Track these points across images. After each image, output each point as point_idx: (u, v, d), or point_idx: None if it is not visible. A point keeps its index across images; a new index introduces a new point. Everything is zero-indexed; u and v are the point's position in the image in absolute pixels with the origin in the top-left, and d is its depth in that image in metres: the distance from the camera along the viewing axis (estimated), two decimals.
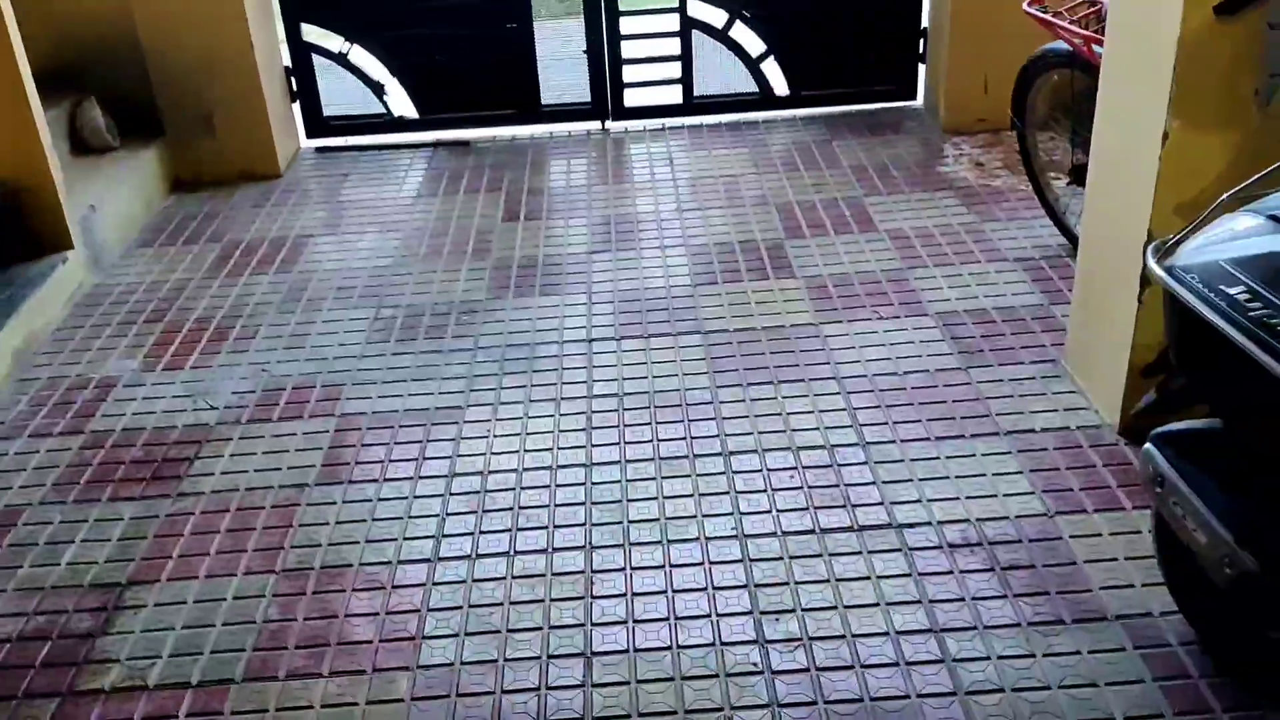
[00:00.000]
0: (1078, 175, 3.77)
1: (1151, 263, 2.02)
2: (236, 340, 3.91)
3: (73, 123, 4.97)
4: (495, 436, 3.26)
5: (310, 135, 5.74)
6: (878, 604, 2.54)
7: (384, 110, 5.69)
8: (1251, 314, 1.88)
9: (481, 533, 2.87)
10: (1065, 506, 2.79)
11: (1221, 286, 1.96)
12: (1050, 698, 2.26)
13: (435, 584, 2.70)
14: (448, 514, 2.95)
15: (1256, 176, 2.09)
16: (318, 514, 2.99)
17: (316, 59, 5.60)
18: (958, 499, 2.85)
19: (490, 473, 3.10)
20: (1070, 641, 2.39)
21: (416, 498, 3.02)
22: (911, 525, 2.77)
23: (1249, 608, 2.05)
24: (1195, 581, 2.24)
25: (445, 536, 2.87)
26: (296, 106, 5.67)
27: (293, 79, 5.59)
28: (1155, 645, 2.36)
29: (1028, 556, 2.64)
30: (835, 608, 2.54)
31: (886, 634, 2.45)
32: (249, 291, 4.27)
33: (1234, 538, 1.94)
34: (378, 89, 5.65)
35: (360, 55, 5.60)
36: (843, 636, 2.45)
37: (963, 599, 2.53)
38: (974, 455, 3.01)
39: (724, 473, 3.03)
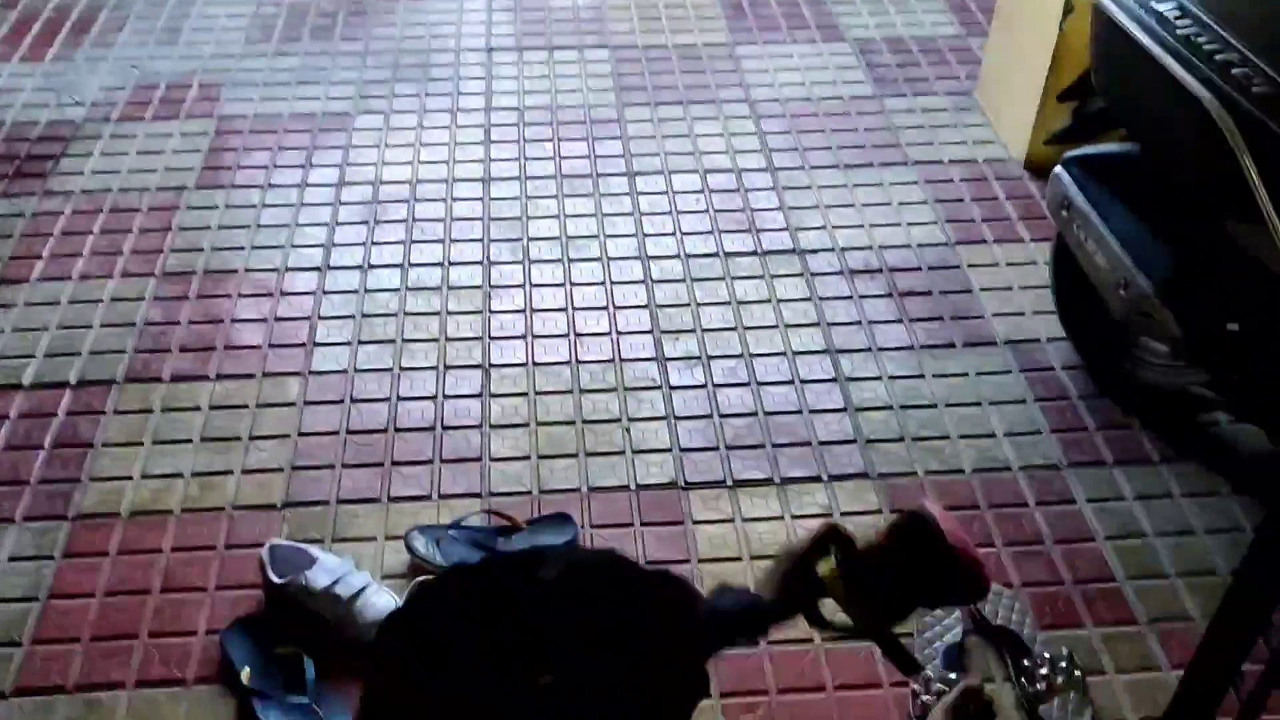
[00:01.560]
0: None
1: None
2: (102, 32, 3.57)
3: None
4: (388, 146, 3.10)
5: None
6: (776, 326, 2.55)
7: None
8: (1179, 31, 1.83)
9: (374, 243, 2.76)
10: (966, 236, 2.80)
11: (1152, 3, 1.90)
12: (935, 415, 2.33)
13: (326, 293, 2.61)
14: (338, 223, 2.83)
15: None
16: (199, 218, 2.83)
17: None
18: (862, 226, 2.83)
19: (383, 183, 2.96)
20: (959, 364, 2.45)
21: (304, 205, 2.88)
22: (814, 251, 2.76)
23: (1139, 330, 2.11)
24: (1086, 307, 2.29)
25: (336, 246, 2.75)
26: None
27: None
28: (1039, 369, 2.44)
29: (926, 283, 2.66)
30: (735, 329, 2.54)
31: (783, 354, 2.48)
32: None
33: (1132, 261, 1.96)
34: None
35: None
36: (740, 356, 2.47)
37: (859, 322, 2.55)
38: (881, 184, 2.98)
39: (628, 193, 2.95)
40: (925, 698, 1.78)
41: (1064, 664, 1.81)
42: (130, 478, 2.17)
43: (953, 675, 1.80)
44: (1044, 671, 1.80)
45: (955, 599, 1.41)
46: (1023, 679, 1.82)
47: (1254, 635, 1.32)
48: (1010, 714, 1.80)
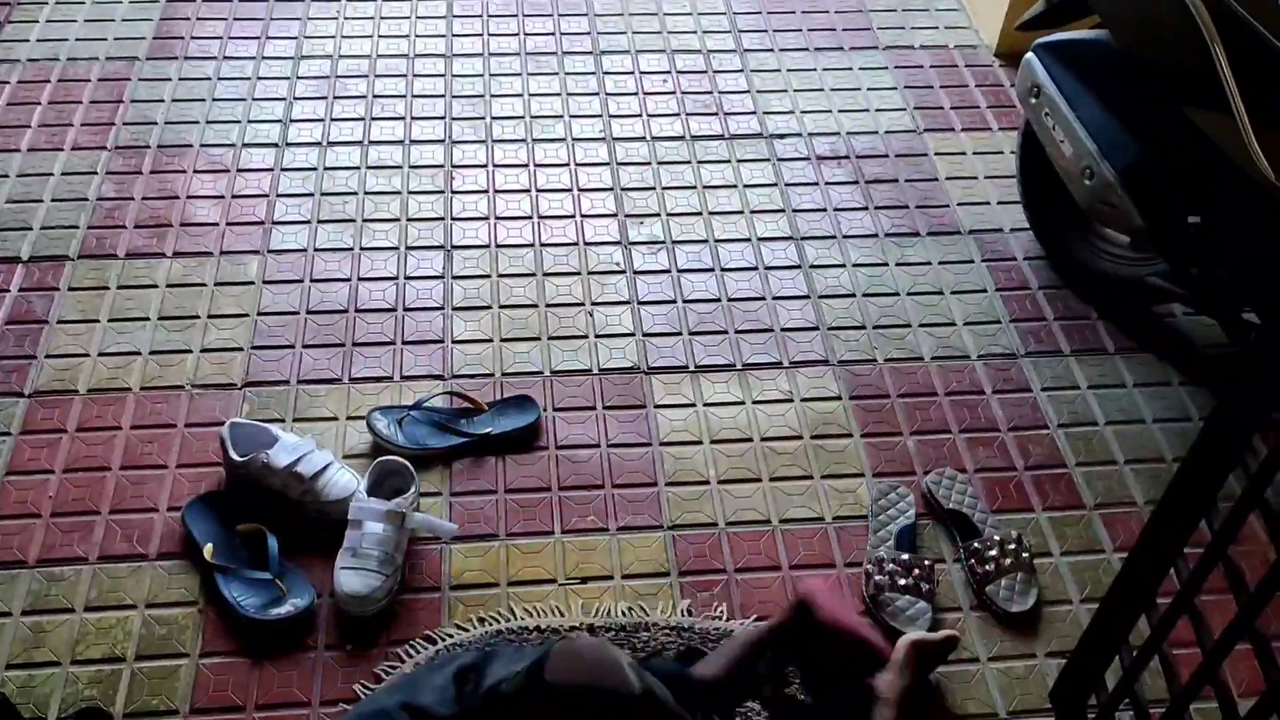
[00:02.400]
0: None
1: None
2: None
3: None
4: (346, 19, 3.00)
5: None
6: (742, 211, 2.53)
7: None
8: None
9: (333, 120, 2.70)
10: (934, 124, 2.78)
11: None
12: (898, 303, 2.35)
13: (284, 170, 2.56)
14: (295, 98, 2.75)
15: None
16: (151, 90, 2.75)
17: None
18: (830, 111, 2.80)
19: (341, 57, 2.88)
20: (923, 253, 2.46)
21: (260, 79, 2.80)
22: (782, 136, 2.73)
23: (1101, 221, 2.12)
24: (1050, 197, 2.29)
25: (294, 121, 2.69)
26: None
27: None
28: (1001, 259, 2.45)
29: (892, 171, 2.65)
30: (700, 214, 2.52)
31: (748, 240, 2.47)
32: None
33: (1098, 150, 1.96)
34: None
35: None
36: (705, 241, 2.46)
37: (825, 209, 2.54)
38: (850, 69, 2.93)
39: (594, 73, 2.89)
40: (878, 578, 1.83)
41: (1012, 546, 1.87)
42: (87, 355, 2.15)
43: (905, 556, 1.84)
44: (993, 553, 1.86)
45: (853, 673, 1.49)
46: (972, 560, 1.87)
47: (1196, 519, 1.36)
48: (959, 593, 1.86)
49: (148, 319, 2.22)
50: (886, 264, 2.43)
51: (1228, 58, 1.66)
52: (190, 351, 2.17)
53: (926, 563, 1.84)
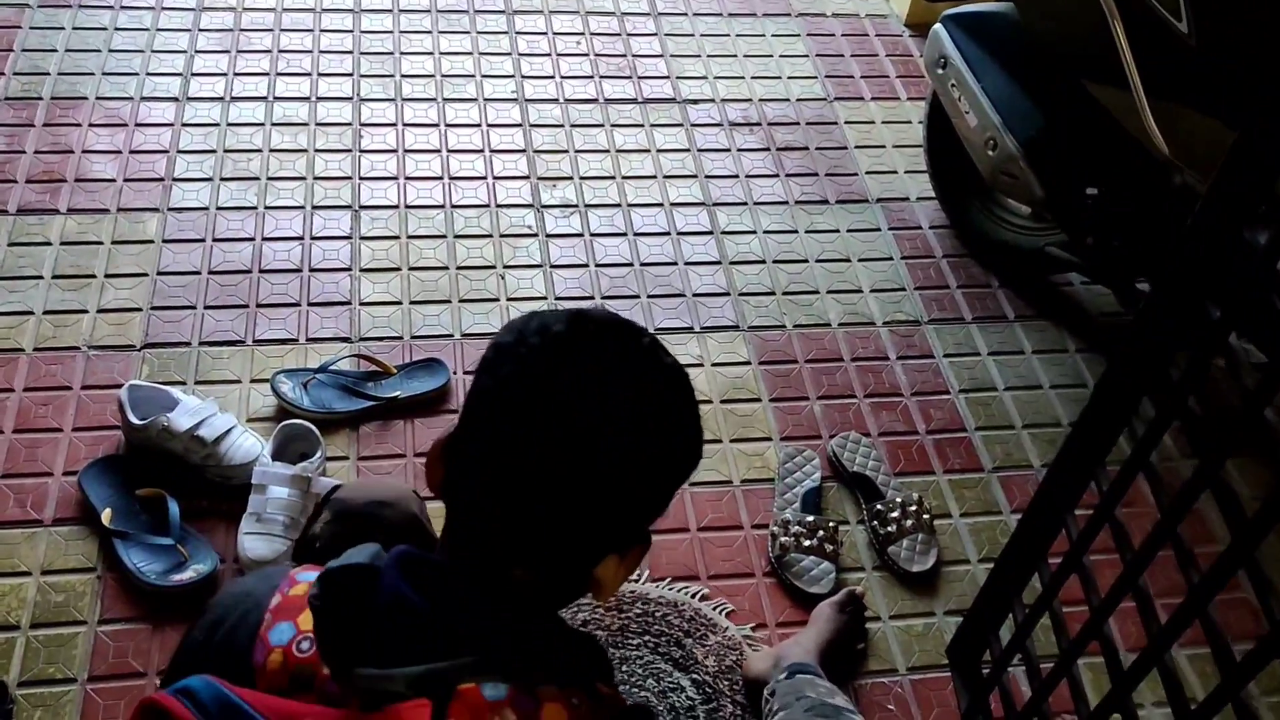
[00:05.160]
0: None
1: None
2: None
3: None
4: None
5: None
6: (655, 176, 2.53)
7: None
8: None
9: (236, 74, 2.62)
10: (844, 93, 2.81)
11: None
12: (807, 270, 2.37)
13: (185, 125, 2.48)
14: (196, 51, 2.67)
15: None
16: (43, 39, 2.63)
17: None
18: (743, 78, 2.81)
19: (245, 10, 2.80)
20: (831, 220, 2.49)
21: (159, 30, 2.70)
22: (695, 101, 2.73)
23: (1003, 191, 2.16)
24: (955, 167, 2.34)
25: (195, 75, 2.61)
26: None
27: None
28: (907, 227, 2.49)
29: (803, 138, 2.67)
30: (613, 178, 2.52)
31: (661, 205, 2.47)
32: None
33: (1002, 121, 2.00)
34: None
35: None
36: (618, 205, 2.46)
37: (737, 176, 2.56)
38: (764, 35, 2.94)
39: (506, 33, 2.85)
40: (784, 539, 1.86)
41: (914, 508, 1.92)
42: None
43: (810, 518, 1.88)
44: (895, 515, 1.90)
45: None
46: (875, 521, 1.92)
47: (1085, 481, 1.41)
48: (862, 554, 1.91)
49: (41, 277, 2.14)
50: (796, 231, 2.45)
51: (1126, 33, 1.71)
52: (86, 312, 2.10)
53: (831, 524, 1.88)
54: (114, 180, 2.34)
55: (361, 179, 2.43)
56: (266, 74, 2.64)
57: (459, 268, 2.28)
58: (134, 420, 1.83)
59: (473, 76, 2.72)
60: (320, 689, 0.83)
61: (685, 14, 2.98)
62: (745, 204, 2.50)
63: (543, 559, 0.85)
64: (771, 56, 2.88)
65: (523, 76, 2.74)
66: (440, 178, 2.46)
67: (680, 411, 0.87)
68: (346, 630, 0.81)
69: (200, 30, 2.72)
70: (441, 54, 2.77)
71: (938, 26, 2.15)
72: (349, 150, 2.49)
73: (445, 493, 0.88)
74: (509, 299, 2.23)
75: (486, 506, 0.84)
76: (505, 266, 2.29)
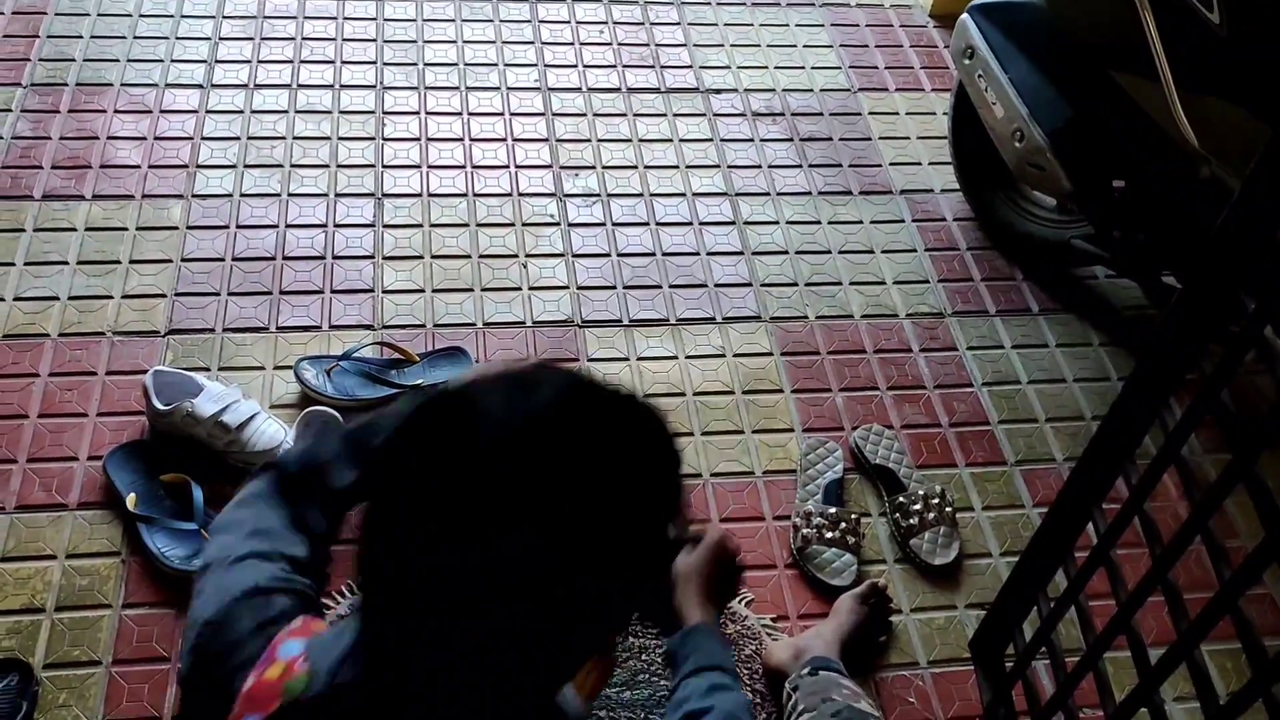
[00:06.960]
0: None
1: None
2: None
3: None
4: None
5: None
6: (677, 166, 2.53)
7: None
8: None
9: (260, 62, 2.63)
10: (868, 84, 2.79)
11: None
12: (829, 261, 2.37)
13: (209, 112, 2.49)
14: (221, 38, 2.67)
15: None
16: (69, 25, 2.64)
17: None
18: (766, 68, 2.80)
19: None
20: (855, 211, 2.48)
21: (184, 17, 2.71)
22: (718, 91, 2.72)
23: (1029, 182, 2.15)
24: (980, 159, 2.32)
25: (219, 63, 2.61)
26: None
27: None
28: (931, 219, 2.48)
29: (826, 129, 2.66)
30: (636, 167, 2.51)
31: (683, 195, 2.46)
32: None
33: (1029, 112, 1.98)
34: None
35: None
36: (640, 195, 2.45)
37: (760, 166, 2.55)
38: (787, 25, 2.93)
39: (529, 21, 2.85)
40: (805, 531, 1.86)
41: (936, 501, 1.91)
42: (3, 299, 2.08)
43: (832, 510, 1.88)
44: (917, 507, 1.90)
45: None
46: (897, 514, 1.91)
47: (1113, 476, 1.40)
48: (884, 546, 1.90)
49: (66, 263, 2.15)
50: (819, 222, 2.44)
51: (1156, 23, 1.69)
52: (111, 298, 2.11)
53: (853, 516, 1.88)
54: (139, 166, 2.35)
55: (384, 167, 2.43)
56: (290, 61, 2.64)
57: (481, 256, 2.28)
58: (158, 406, 1.84)
59: (495, 65, 2.71)
60: None
61: (709, 3, 2.97)
62: (768, 194, 2.49)
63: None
64: (795, 46, 2.87)
65: (545, 65, 2.73)
66: (463, 166, 2.46)
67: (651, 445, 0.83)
68: None
69: (224, 17, 2.72)
70: (465, 42, 2.76)
71: (964, 16, 2.13)
72: (372, 138, 2.49)
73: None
74: (531, 288, 2.23)
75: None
76: (528, 255, 2.29)
